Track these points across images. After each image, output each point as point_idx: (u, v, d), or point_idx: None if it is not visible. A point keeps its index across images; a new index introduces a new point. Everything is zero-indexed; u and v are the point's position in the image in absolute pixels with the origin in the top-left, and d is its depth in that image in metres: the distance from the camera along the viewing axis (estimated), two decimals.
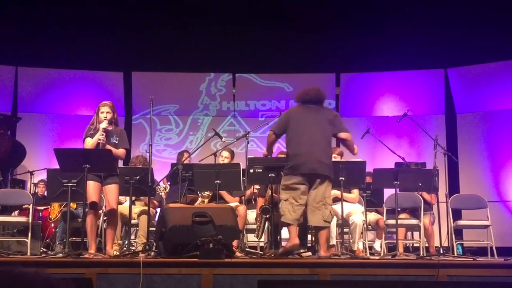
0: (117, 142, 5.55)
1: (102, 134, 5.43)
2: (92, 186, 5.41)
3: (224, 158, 6.76)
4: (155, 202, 6.81)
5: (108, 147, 5.45)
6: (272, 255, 5.39)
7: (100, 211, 6.07)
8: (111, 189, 5.47)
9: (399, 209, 6.34)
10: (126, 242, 6.27)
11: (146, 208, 6.24)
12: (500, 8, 8.59)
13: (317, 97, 5.53)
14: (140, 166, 6.71)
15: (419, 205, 6.61)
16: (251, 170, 5.83)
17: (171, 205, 5.83)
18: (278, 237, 5.97)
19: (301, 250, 5.50)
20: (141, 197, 6.75)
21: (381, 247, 6.69)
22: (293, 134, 5.39)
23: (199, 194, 6.52)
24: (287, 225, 5.36)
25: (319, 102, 5.53)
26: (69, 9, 9.12)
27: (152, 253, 5.25)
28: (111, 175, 5.46)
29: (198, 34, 9.46)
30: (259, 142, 9.66)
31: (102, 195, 5.75)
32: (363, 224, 6.38)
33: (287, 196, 5.31)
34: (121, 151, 5.56)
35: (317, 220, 5.29)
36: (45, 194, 7.77)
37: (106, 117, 5.51)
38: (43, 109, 9.68)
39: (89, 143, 5.48)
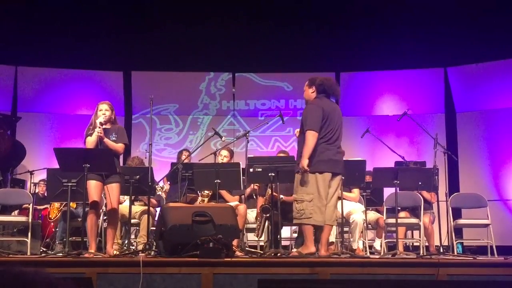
0: (116, 139, 5.57)
1: (100, 127, 5.45)
2: (93, 186, 5.41)
3: (223, 157, 6.77)
4: (153, 201, 6.81)
5: (107, 141, 5.47)
6: (283, 255, 5.28)
7: (100, 211, 6.08)
8: (113, 188, 5.47)
9: (399, 208, 6.35)
10: (126, 241, 6.27)
11: (146, 207, 6.25)
12: (499, 7, 8.59)
13: (338, 91, 5.48)
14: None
15: (419, 204, 6.61)
16: (251, 170, 5.83)
17: (171, 204, 5.83)
18: (278, 236, 5.97)
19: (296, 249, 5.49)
20: (140, 197, 6.75)
21: (381, 246, 6.70)
22: (323, 128, 5.14)
23: (199, 194, 6.52)
24: (307, 227, 5.12)
25: (338, 96, 5.53)
26: (69, 9, 9.11)
27: (152, 253, 5.25)
28: (112, 174, 5.47)
29: (197, 33, 9.45)
30: (259, 142, 9.66)
31: (103, 195, 5.76)
32: (364, 223, 6.38)
33: (311, 196, 5.05)
34: (119, 145, 5.58)
35: (334, 219, 5.27)
36: (45, 194, 7.79)
37: (104, 114, 5.54)
38: (43, 108, 9.68)
39: (90, 141, 5.50)
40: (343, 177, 5.54)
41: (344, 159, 6.37)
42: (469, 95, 9.52)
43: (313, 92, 5.36)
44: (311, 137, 5.06)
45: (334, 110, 5.28)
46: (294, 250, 5.61)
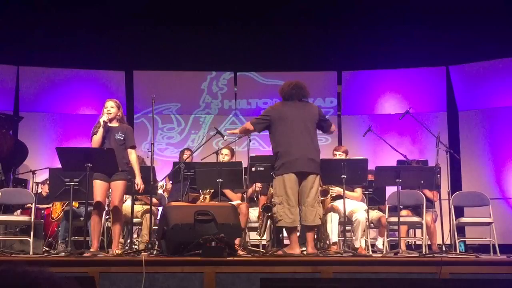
0: (122, 138, 5.55)
1: (106, 115, 5.51)
2: (99, 186, 5.41)
3: (224, 155, 6.78)
4: (155, 200, 6.80)
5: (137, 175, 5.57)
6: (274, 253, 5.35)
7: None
8: (117, 186, 5.46)
9: (401, 206, 6.34)
10: (128, 241, 6.28)
11: (148, 207, 6.25)
12: (501, 5, 8.58)
13: (302, 93, 5.48)
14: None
15: (421, 202, 6.60)
16: (253, 169, 5.83)
17: (173, 203, 5.84)
18: (280, 235, 5.97)
19: (303, 249, 5.49)
20: (139, 197, 6.74)
21: (383, 245, 6.69)
22: (280, 133, 5.30)
23: (201, 192, 6.53)
24: (287, 230, 5.31)
25: (304, 98, 5.50)
26: (70, 9, 9.11)
27: (155, 252, 5.26)
28: (119, 172, 5.46)
29: (199, 32, 9.45)
30: (261, 141, 9.66)
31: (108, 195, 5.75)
32: (366, 222, 6.37)
33: (280, 199, 5.21)
34: (130, 152, 5.59)
35: (315, 219, 5.29)
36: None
37: (109, 112, 5.54)
38: (45, 108, 9.69)
39: (95, 140, 5.51)
40: (344, 176, 5.56)
41: (346, 158, 6.41)
42: (471, 93, 9.51)
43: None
44: (247, 125, 5.58)
45: (296, 112, 5.35)
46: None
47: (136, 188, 5.56)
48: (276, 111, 5.44)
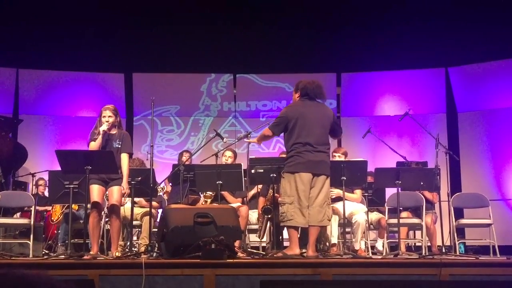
0: (120, 146, 5.54)
1: (105, 124, 5.48)
2: (96, 189, 5.42)
3: (227, 157, 6.78)
4: (154, 203, 6.80)
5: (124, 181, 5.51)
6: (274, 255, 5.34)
7: (102, 213, 6.07)
8: (114, 189, 5.48)
9: (401, 208, 6.34)
10: (128, 243, 6.27)
11: (148, 209, 6.24)
12: (501, 6, 8.59)
13: (323, 94, 5.47)
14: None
15: (421, 204, 6.61)
16: (253, 171, 5.83)
17: (173, 206, 5.83)
18: (280, 237, 5.97)
19: (303, 250, 5.49)
20: (138, 200, 6.72)
21: (383, 246, 6.69)
22: (298, 131, 5.19)
23: (201, 195, 6.52)
24: (290, 230, 5.21)
25: (322, 99, 5.50)
26: (70, 11, 9.12)
27: (154, 254, 5.25)
28: (116, 179, 5.46)
29: (198, 35, 9.46)
30: None
31: (105, 197, 5.75)
32: (366, 224, 6.37)
33: (292, 199, 5.11)
34: (125, 163, 5.57)
35: (323, 220, 5.25)
36: (45, 193, 7.81)
37: (108, 121, 5.52)
38: (44, 111, 9.69)
39: (92, 146, 5.51)
40: (343, 178, 5.55)
41: (345, 159, 6.41)
42: (470, 95, 9.51)
43: (298, 96, 5.43)
44: (265, 131, 5.47)
45: (314, 111, 5.28)
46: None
47: (122, 191, 5.53)
48: (294, 109, 5.32)
